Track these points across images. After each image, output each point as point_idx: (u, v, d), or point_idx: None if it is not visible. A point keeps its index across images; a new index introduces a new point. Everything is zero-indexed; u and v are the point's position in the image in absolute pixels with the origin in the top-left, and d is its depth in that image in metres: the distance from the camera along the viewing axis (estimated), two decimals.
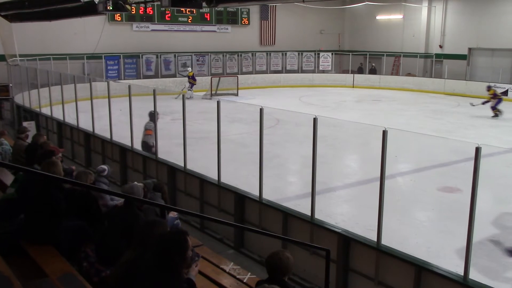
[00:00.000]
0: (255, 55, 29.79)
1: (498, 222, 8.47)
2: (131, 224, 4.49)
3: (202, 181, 8.76)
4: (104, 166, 6.93)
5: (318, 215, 6.86)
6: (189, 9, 26.20)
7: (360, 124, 14.19)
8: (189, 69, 25.22)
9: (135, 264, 3.58)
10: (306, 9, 29.87)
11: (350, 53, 31.23)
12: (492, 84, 21.41)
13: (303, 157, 11.13)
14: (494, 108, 19.64)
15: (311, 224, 6.78)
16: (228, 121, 15.04)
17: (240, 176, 9.70)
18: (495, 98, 19.70)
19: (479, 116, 19.47)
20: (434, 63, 28.86)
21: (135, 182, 5.82)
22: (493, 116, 19.58)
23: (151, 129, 10.49)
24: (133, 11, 25.13)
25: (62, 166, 5.54)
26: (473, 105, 20.34)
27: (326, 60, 30.87)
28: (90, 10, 12.81)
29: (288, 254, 3.99)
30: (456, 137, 14.66)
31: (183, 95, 9.22)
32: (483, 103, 19.84)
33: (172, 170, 9.51)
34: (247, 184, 8.47)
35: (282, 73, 30.24)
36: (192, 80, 24.08)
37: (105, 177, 6.78)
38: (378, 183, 5.89)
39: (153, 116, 10.35)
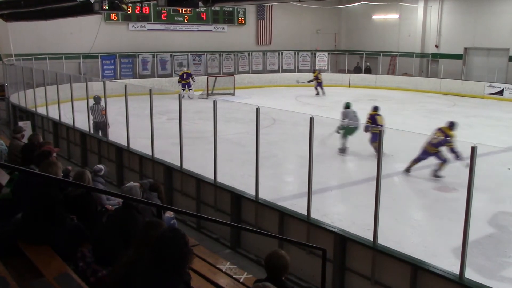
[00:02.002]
0: (251, 54, 29.78)
1: (494, 221, 8.51)
2: (129, 225, 4.49)
3: (198, 180, 8.76)
4: (101, 166, 6.92)
5: (314, 215, 6.88)
6: (185, 9, 26.21)
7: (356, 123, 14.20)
8: (184, 68, 25.17)
9: (134, 265, 3.58)
10: (302, 8, 29.89)
11: (347, 53, 31.26)
12: (318, 69, 27.09)
13: (300, 156, 11.13)
14: (316, 88, 24.89)
15: (308, 223, 6.79)
16: (225, 121, 15.04)
17: (236, 176, 9.71)
18: (318, 80, 24.87)
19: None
20: (430, 62, 28.90)
21: (131, 182, 5.82)
22: (316, 94, 24.83)
23: (103, 110, 12.23)
24: (129, 11, 25.07)
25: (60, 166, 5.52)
26: (299, 82, 25.41)
27: (323, 60, 30.89)
28: (86, 9, 12.80)
29: (284, 252, 4.02)
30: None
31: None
32: (309, 82, 25.12)
33: (168, 169, 9.51)
34: (243, 183, 8.48)
35: (279, 72, 30.25)
36: (182, 79, 23.92)
37: (102, 177, 6.78)
38: (375, 182, 5.90)
39: (97, 99, 12.59)
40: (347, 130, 12.64)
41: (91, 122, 12.60)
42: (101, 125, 12.51)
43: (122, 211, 4.79)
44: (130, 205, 4.75)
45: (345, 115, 13.28)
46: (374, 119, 12.40)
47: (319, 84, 25.18)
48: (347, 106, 13.57)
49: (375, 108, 12.81)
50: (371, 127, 11.65)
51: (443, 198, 9.71)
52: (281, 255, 3.97)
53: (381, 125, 11.45)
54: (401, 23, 30.38)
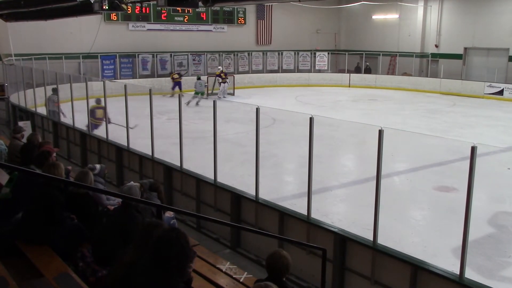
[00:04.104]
0: (251, 54, 29.77)
1: (494, 221, 8.51)
2: (128, 225, 4.48)
3: (198, 180, 8.75)
4: (96, 165, 6.90)
5: (314, 215, 6.87)
6: (185, 9, 26.19)
7: (356, 123, 14.22)
8: (220, 67, 25.33)
9: (135, 265, 3.58)
10: (302, 8, 29.88)
11: (346, 53, 31.26)
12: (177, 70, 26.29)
13: (300, 156, 11.15)
14: (173, 89, 24.06)
15: (308, 223, 6.78)
16: (224, 121, 15.04)
17: (236, 176, 9.71)
18: (177, 80, 24.61)
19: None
20: (430, 62, 28.91)
21: (132, 182, 5.81)
22: (170, 96, 22.64)
23: (57, 102, 14.30)
24: (129, 11, 25.08)
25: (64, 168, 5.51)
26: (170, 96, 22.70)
27: (322, 60, 30.89)
28: (85, 9, 12.77)
29: (286, 253, 4.02)
30: (451, 136, 14.72)
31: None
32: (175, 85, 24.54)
33: (168, 169, 9.50)
34: (243, 183, 8.48)
35: (278, 72, 30.25)
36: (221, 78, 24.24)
37: (99, 176, 6.74)
38: (374, 182, 5.90)
39: (54, 91, 14.42)
40: (196, 92, 21.93)
41: (49, 110, 14.85)
42: (54, 113, 14.53)
43: (122, 211, 4.78)
44: (130, 204, 4.74)
45: (195, 84, 22.41)
46: (93, 112, 13.22)
47: (177, 84, 24.57)
48: (198, 78, 22.91)
49: (98, 101, 13.46)
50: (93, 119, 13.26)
51: (443, 198, 9.71)
52: (283, 255, 3.96)
53: (100, 118, 12.75)
54: (401, 23, 30.39)
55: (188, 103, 20.21)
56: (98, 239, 4.64)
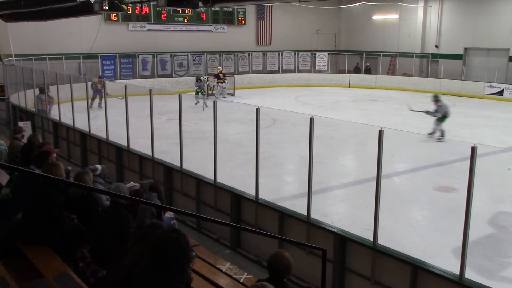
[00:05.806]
0: (251, 55, 29.77)
1: (494, 221, 8.50)
2: (120, 224, 4.49)
3: (198, 181, 8.75)
4: (97, 165, 6.90)
5: (314, 215, 6.88)
6: (185, 9, 26.20)
7: (356, 123, 14.22)
8: (219, 67, 25.31)
9: (135, 266, 3.58)
10: (302, 9, 29.89)
11: (346, 53, 31.25)
12: (97, 79, 20.89)
13: (300, 156, 11.15)
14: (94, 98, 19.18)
15: (308, 223, 6.78)
16: (225, 121, 15.04)
17: (236, 176, 9.71)
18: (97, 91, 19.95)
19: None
20: (430, 63, 28.89)
21: (131, 182, 5.82)
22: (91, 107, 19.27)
23: (45, 100, 15.48)
24: (129, 11, 25.07)
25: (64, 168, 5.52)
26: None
27: (323, 60, 30.88)
28: (86, 9, 12.78)
29: (288, 254, 4.02)
30: (451, 136, 14.71)
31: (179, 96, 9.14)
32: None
33: (168, 170, 9.51)
34: (243, 184, 8.48)
35: (279, 73, 30.24)
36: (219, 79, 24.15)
37: (99, 177, 6.76)
38: (375, 182, 5.90)
39: (43, 90, 15.47)
40: (197, 92, 22.13)
41: (38, 109, 15.82)
42: (42, 112, 15.59)
43: (112, 211, 4.78)
44: (119, 204, 4.74)
45: (197, 84, 22.51)
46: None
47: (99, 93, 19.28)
48: (198, 78, 22.87)
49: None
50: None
51: (443, 198, 9.71)
52: (284, 257, 3.95)
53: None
54: (401, 23, 30.37)
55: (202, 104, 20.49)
56: (93, 239, 4.66)
